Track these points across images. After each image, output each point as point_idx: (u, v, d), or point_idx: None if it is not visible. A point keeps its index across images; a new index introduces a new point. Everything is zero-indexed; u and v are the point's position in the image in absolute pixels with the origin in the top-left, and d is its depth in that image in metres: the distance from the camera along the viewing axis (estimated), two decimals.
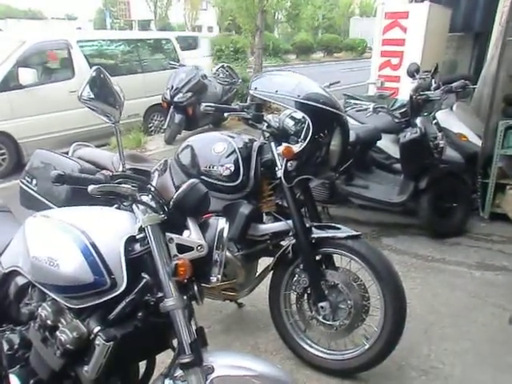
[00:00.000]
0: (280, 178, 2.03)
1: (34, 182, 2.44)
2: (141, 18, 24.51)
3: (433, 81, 3.42)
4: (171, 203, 1.32)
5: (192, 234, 1.29)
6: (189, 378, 1.22)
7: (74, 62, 6.31)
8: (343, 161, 2.13)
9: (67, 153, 2.70)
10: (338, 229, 2.05)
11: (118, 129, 1.60)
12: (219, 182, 2.11)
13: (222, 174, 2.11)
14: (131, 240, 1.31)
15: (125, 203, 1.43)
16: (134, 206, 1.34)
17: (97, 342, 1.23)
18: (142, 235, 1.31)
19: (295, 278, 2.11)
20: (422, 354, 2.27)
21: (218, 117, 7.08)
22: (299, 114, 2.01)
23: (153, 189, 1.34)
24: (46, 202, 2.28)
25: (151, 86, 7.09)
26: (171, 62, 7.10)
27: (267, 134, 2.11)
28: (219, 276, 1.33)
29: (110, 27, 22.49)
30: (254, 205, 2.11)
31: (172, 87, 6.33)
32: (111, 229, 1.35)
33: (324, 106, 1.96)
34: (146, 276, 1.28)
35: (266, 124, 2.09)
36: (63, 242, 1.30)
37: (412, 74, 3.40)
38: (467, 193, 3.52)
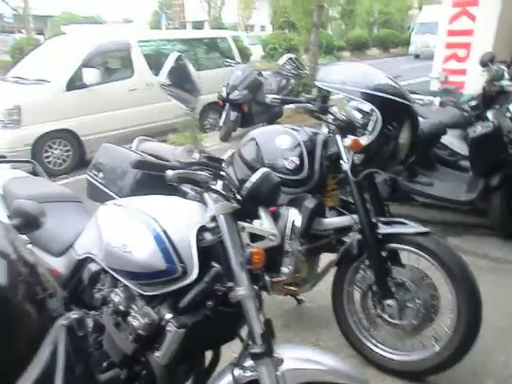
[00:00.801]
0: (346, 171, 1.97)
1: (101, 174, 2.51)
2: (195, 19, 25.00)
3: (505, 72, 3.22)
4: (244, 192, 1.30)
5: (264, 224, 1.28)
6: (259, 369, 1.20)
7: (134, 61, 6.51)
8: (412, 154, 2.05)
9: (130, 147, 2.77)
10: (405, 224, 1.97)
11: (194, 116, 1.59)
12: (283, 176, 2.07)
13: (287, 167, 2.08)
14: (201, 229, 1.31)
15: (195, 192, 1.43)
16: (205, 195, 1.34)
17: (168, 328, 1.24)
18: (213, 224, 1.31)
19: (360, 275, 2.05)
20: (498, 361, 2.13)
21: (272, 114, 7.08)
22: (366, 106, 1.94)
23: (227, 177, 1.33)
24: (112, 193, 2.34)
25: (207, 84, 7.15)
26: (227, 60, 7.16)
27: (333, 127, 2.06)
28: (291, 267, 1.31)
29: (166, 29, 23.02)
30: (318, 199, 2.06)
31: (228, 85, 6.38)
32: (182, 218, 1.35)
33: (394, 97, 1.89)
34: (216, 265, 1.28)
35: (331, 116, 2.04)
36: (136, 229, 1.32)
37: (485, 63, 3.20)
38: None
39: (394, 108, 1.90)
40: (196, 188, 1.40)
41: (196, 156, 1.52)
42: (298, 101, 2.10)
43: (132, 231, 1.32)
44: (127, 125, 6.29)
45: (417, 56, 20.81)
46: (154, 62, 6.76)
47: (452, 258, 1.84)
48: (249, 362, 1.24)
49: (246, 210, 1.30)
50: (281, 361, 1.21)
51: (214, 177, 1.28)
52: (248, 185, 1.30)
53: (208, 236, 1.30)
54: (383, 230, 1.95)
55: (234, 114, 6.38)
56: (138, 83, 6.50)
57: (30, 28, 19.14)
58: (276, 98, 2.02)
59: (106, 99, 6.16)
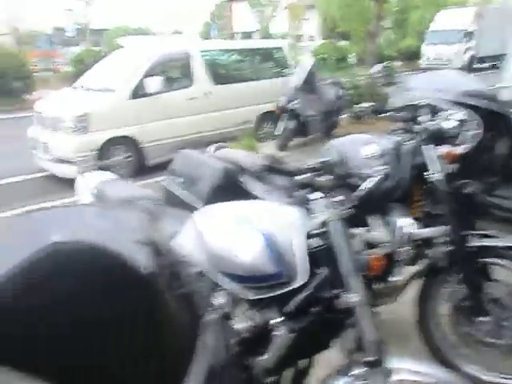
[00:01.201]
0: (435, 181, 1.92)
1: (178, 180, 2.57)
2: (244, 29, 25.39)
3: None
4: (356, 198, 1.29)
5: (376, 230, 1.26)
6: (371, 378, 1.17)
7: (193, 70, 6.66)
8: (509, 166, 1.98)
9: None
10: (497, 238, 1.90)
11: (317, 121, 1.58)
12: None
13: (372, 176, 2.05)
14: (308, 235, 1.31)
15: (295, 197, 1.44)
16: (316, 200, 1.34)
17: (277, 332, 1.24)
18: (320, 230, 1.30)
19: (448, 289, 1.98)
20: None
21: (328, 124, 7.05)
22: (460, 115, 1.89)
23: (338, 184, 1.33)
24: (189, 200, 2.38)
25: (263, 93, 7.25)
26: (285, 70, 7.22)
27: (422, 136, 2.01)
28: (399, 276, 1.28)
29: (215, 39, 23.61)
30: (404, 209, 2.02)
31: (286, 94, 6.41)
32: (286, 222, 1.36)
33: (491, 107, 1.83)
34: (323, 271, 1.27)
35: (418, 126, 2.00)
36: (243, 232, 1.33)
37: None
38: None
39: (493, 118, 1.84)
40: (299, 193, 1.40)
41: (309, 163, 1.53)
42: (388, 110, 2.07)
43: (239, 234, 1.33)
44: (186, 133, 6.43)
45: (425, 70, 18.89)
46: (213, 72, 6.91)
47: None
48: (357, 371, 1.22)
49: (357, 217, 1.28)
50: (390, 371, 1.19)
51: (334, 182, 1.28)
52: (360, 192, 1.28)
53: (314, 242, 1.30)
54: (475, 242, 1.88)
55: (292, 124, 6.40)
56: (197, 92, 6.65)
57: (89, 41, 20.10)
58: (365, 107, 2.00)
59: (166, 107, 6.33)
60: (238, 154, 2.97)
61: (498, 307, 1.86)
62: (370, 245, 1.28)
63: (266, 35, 22.42)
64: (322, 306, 1.28)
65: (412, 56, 21.82)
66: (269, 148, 6.75)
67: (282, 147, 6.48)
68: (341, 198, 1.31)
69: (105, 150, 5.82)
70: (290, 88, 6.42)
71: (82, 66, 14.01)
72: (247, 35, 25.21)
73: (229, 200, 1.62)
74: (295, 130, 6.49)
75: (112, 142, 5.88)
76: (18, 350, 0.57)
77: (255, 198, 2.33)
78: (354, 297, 1.19)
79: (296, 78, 6.67)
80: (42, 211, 0.72)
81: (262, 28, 23.84)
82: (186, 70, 6.69)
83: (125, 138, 5.99)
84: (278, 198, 2.17)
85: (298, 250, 1.27)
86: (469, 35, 20.43)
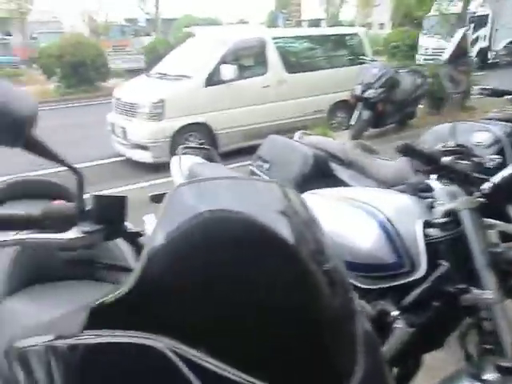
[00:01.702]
0: None
1: (266, 166, 2.53)
2: (311, 17, 25.00)
3: None
4: (489, 187, 1.18)
5: None
6: None
7: (268, 58, 6.60)
8: None
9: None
10: None
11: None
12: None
13: (485, 165, 1.89)
14: (426, 224, 1.21)
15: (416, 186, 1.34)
16: (440, 188, 1.24)
17: (397, 325, 1.16)
18: (443, 220, 1.20)
19: None
20: None
21: (405, 114, 6.77)
22: None
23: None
24: None
25: (337, 82, 7.05)
26: (362, 58, 6.98)
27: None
28: None
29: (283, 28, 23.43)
30: None
31: (363, 82, 6.20)
32: (403, 209, 1.26)
33: None
34: (445, 263, 1.17)
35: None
36: (358, 219, 1.26)
37: None
38: None
39: None
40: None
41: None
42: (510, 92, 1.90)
43: (354, 220, 1.26)
44: (258, 121, 6.40)
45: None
46: (287, 59, 6.82)
47: None
48: (488, 376, 1.11)
49: (492, 206, 1.17)
50: None
51: (473, 167, 1.17)
52: (494, 180, 1.17)
53: (435, 232, 1.20)
54: None
55: (367, 113, 6.19)
56: (271, 80, 6.58)
57: (159, 31, 20.65)
58: (484, 89, 1.84)
59: (240, 95, 6.32)
60: (326, 141, 2.89)
61: None
62: (507, 237, 1.16)
63: (335, 23, 21.91)
64: (443, 301, 1.18)
65: None
66: (342, 138, 6.58)
67: (356, 137, 6.27)
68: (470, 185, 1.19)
69: (179, 137, 5.90)
70: (370, 75, 6.20)
71: (154, 54, 14.41)
72: (314, 23, 24.79)
73: (317, 187, 1.55)
74: (371, 119, 6.27)
75: (186, 129, 5.96)
76: (174, 316, 0.58)
77: (345, 185, 2.24)
78: (487, 293, 1.08)
79: (373, 65, 6.46)
80: (191, 183, 0.70)
81: (331, 15, 23.31)
82: (260, 58, 6.64)
83: (199, 124, 6.05)
84: (369, 186, 2.07)
85: (416, 240, 1.18)
86: (478, 21, 15.71)
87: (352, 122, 6.38)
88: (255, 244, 0.62)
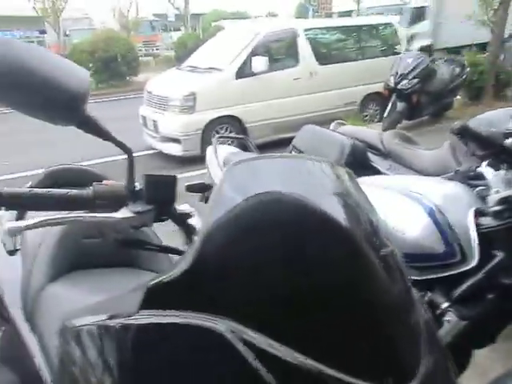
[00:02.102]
0: None
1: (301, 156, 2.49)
2: (342, 9, 24.60)
3: None
4: None
5: None
6: None
7: (299, 50, 6.51)
8: None
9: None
10: None
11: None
12: None
13: None
14: (478, 213, 1.15)
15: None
16: (493, 175, 1.17)
17: (448, 318, 1.10)
18: (498, 208, 1.13)
19: None
20: None
21: (442, 106, 6.58)
22: None
23: None
24: None
25: (369, 73, 6.91)
26: (396, 48, 6.82)
27: None
28: None
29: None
30: None
31: (397, 73, 6.05)
32: (453, 197, 1.20)
33: None
34: (500, 253, 1.11)
35: None
36: (405, 205, 1.20)
37: None
38: None
39: None
40: None
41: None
42: None
43: (403, 208, 1.21)
44: (289, 113, 6.33)
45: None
46: (319, 51, 6.72)
47: None
48: None
49: None
50: None
51: None
52: None
53: (489, 220, 1.13)
54: None
55: (401, 105, 6.04)
56: (303, 72, 6.50)
57: (188, 26, 20.75)
58: None
59: (271, 87, 6.27)
60: (363, 131, 2.82)
61: None
62: None
63: (367, 14, 21.49)
64: (497, 293, 1.12)
65: None
66: (376, 130, 6.45)
67: (389, 129, 6.14)
68: None
69: (209, 130, 5.91)
70: (404, 65, 6.04)
71: (184, 49, 14.49)
72: (346, 14, 24.40)
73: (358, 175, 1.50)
74: (405, 111, 6.11)
75: (217, 122, 5.96)
76: (230, 297, 0.56)
77: (382, 174, 2.19)
78: None
79: (408, 55, 6.30)
80: (244, 162, 0.67)
81: (362, 7, 22.92)
82: (291, 49, 6.56)
83: (230, 117, 6.03)
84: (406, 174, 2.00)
85: (467, 229, 1.11)
86: (415, 14, 14.30)
87: (385, 114, 6.24)
88: (310, 225, 0.60)
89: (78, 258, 1.22)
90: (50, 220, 0.72)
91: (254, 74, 6.09)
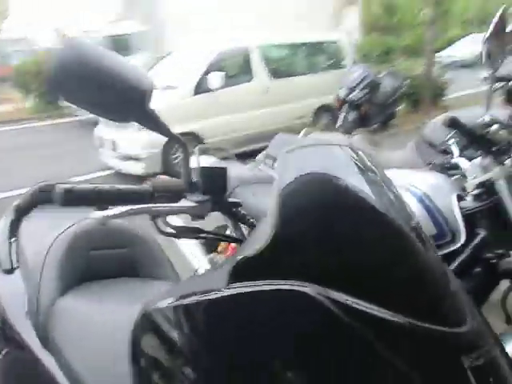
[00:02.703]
0: None
1: (274, 163, 2.62)
2: None
3: None
4: None
5: None
6: None
7: (252, 65, 6.73)
8: None
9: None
10: None
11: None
12: None
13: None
14: (460, 197, 1.32)
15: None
16: (471, 162, 1.35)
17: None
18: (477, 191, 1.31)
19: None
20: None
21: (387, 115, 7.00)
22: None
23: None
24: None
25: (319, 87, 7.25)
26: (342, 63, 7.20)
27: None
28: None
29: None
30: None
31: (347, 86, 6.40)
32: (437, 185, 1.37)
33: None
34: (483, 231, 1.28)
35: None
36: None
37: None
38: None
39: None
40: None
41: None
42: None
43: None
44: (246, 127, 6.49)
45: None
46: (270, 65, 6.97)
47: None
48: None
49: None
50: None
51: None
52: None
53: (470, 203, 1.31)
54: None
55: (352, 115, 6.38)
56: (257, 87, 6.71)
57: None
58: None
59: (228, 103, 6.41)
60: (332, 136, 3.00)
61: None
62: None
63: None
64: (483, 267, 1.28)
65: None
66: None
67: None
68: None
69: (169, 147, 5.93)
70: (353, 78, 6.40)
71: None
72: None
73: None
74: (356, 121, 6.46)
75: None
76: (305, 265, 0.62)
77: None
78: None
79: (355, 68, 6.68)
80: (297, 149, 0.78)
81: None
82: (245, 65, 6.77)
83: (189, 133, 6.10)
84: None
85: (453, 212, 1.28)
86: None
87: (338, 124, 6.55)
88: (346, 203, 0.69)
89: (86, 270, 1.22)
90: (131, 210, 0.77)
91: (210, 90, 6.21)
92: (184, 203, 0.82)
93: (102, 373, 0.95)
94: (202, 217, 0.85)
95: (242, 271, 0.61)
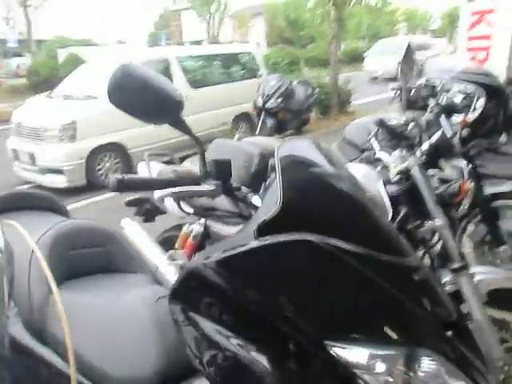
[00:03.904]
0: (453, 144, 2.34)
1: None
2: (192, 38, 25.71)
3: None
4: (426, 148, 1.68)
5: (446, 170, 1.65)
6: (460, 280, 1.54)
7: (173, 75, 6.89)
8: (505, 126, 2.45)
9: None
10: (503, 185, 2.35)
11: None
12: None
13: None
14: (385, 183, 1.68)
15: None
16: (389, 155, 1.71)
17: None
18: (398, 177, 1.67)
19: (472, 229, 2.41)
20: None
21: (301, 121, 7.53)
22: (469, 88, 2.33)
23: None
24: None
25: (237, 95, 7.60)
26: (256, 72, 7.63)
27: (436, 110, 2.43)
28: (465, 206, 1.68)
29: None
30: None
31: (263, 94, 6.81)
32: (367, 175, 1.71)
33: (488, 82, 2.30)
34: (404, 208, 1.64)
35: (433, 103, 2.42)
36: None
37: None
38: None
39: (491, 89, 2.30)
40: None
41: None
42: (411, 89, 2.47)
43: None
44: (170, 136, 6.59)
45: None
46: (189, 75, 7.19)
47: None
48: (448, 277, 1.56)
49: (430, 161, 1.67)
50: (473, 274, 1.56)
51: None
52: (432, 141, 1.68)
53: (392, 188, 1.67)
54: (489, 190, 2.32)
55: (270, 121, 6.80)
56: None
57: (32, 52, 19.60)
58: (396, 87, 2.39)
59: None
60: (263, 139, 3.30)
61: None
62: (443, 181, 1.66)
63: (216, 43, 22.86)
64: (405, 237, 1.63)
65: (358, 58, 23.08)
66: None
67: None
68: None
69: (93, 158, 5.92)
70: (269, 87, 6.83)
71: (37, 77, 13.71)
72: (196, 43, 25.56)
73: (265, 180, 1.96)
74: (273, 127, 6.89)
75: (101, 150, 5.99)
76: (312, 222, 0.85)
77: None
78: (437, 221, 1.56)
79: (271, 78, 7.13)
80: (291, 142, 1.08)
81: (211, 36, 24.23)
82: (165, 75, 6.88)
83: (113, 144, 6.10)
84: None
85: (381, 196, 1.62)
86: None
87: (258, 131, 6.94)
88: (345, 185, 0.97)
89: (67, 269, 1.31)
90: (178, 192, 1.03)
91: None
92: (206, 187, 1.04)
93: (107, 352, 1.08)
94: (215, 197, 1.08)
95: (263, 230, 0.83)
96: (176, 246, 2.26)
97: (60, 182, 5.74)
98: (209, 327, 0.86)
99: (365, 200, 0.97)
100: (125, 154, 6.24)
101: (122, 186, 0.94)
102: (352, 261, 0.81)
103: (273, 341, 0.82)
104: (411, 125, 1.68)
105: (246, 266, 0.84)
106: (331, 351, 0.77)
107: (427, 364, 0.76)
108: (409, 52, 1.86)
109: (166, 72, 6.83)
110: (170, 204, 1.53)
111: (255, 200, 1.09)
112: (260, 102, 6.83)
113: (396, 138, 1.71)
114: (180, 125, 1.03)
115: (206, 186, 1.04)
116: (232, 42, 26.34)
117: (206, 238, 2.04)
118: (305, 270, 0.83)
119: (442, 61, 2.56)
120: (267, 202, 0.92)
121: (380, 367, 0.75)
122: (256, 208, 1.06)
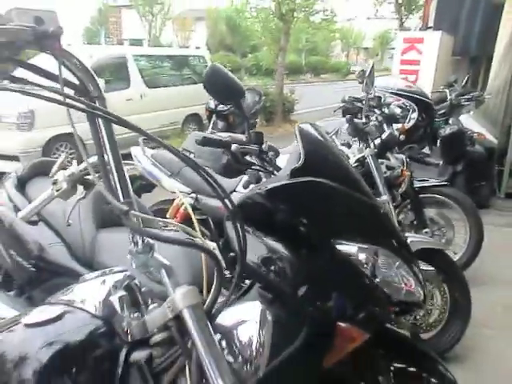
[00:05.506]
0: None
1: (192, 156, 3.31)
2: (133, 37, 25.48)
3: (448, 92, 4.48)
4: (379, 142, 2.27)
5: (392, 160, 2.25)
6: None
7: (130, 73, 7.19)
8: (430, 138, 3.15)
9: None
10: (428, 180, 3.04)
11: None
12: None
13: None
14: None
15: None
16: (351, 147, 2.28)
17: None
18: (356, 164, 2.25)
19: (403, 215, 3.07)
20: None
21: (249, 125, 8.07)
22: (406, 102, 3.00)
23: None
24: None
25: (188, 97, 8.03)
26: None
27: (380, 118, 3.08)
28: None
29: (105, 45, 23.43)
30: None
31: None
32: None
33: (423, 97, 2.98)
34: None
35: (378, 112, 3.06)
36: None
37: (451, 84, 4.49)
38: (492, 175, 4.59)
39: (423, 104, 2.99)
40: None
41: None
42: (360, 100, 3.10)
43: None
44: (125, 131, 6.83)
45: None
46: (147, 75, 7.51)
47: (465, 200, 2.93)
48: None
49: (380, 153, 2.27)
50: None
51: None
52: (382, 137, 2.27)
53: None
54: (418, 184, 2.99)
55: (221, 124, 7.27)
56: (134, 94, 7.18)
57: None
58: (350, 99, 3.00)
59: (107, 107, 6.70)
60: (235, 136, 3.78)
61: (433, 223, 2.99)
62: (389, 168, 2.26)
63: (157, 43, 22.94)
64: None
65: (296, 71, 24.25)
66: None
67: None
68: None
69: (49, 147, 6.06)
70: None
71: None
72: (136, 42, 25.32)
73: (238, 170, 2.47)
74: (224, 129, 7.36)
75: (57, 139, 6.12)
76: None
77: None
78: (383, 199, 2.15)
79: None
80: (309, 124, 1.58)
81: (153, 37, 24.21)
82: (123, 73, 7.17)
83: (69, 134, 6.26)
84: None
85: None
86: None
87: (209, 131, 7.38)
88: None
89: (104, 218, 1.65)
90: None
91: None
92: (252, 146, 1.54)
93: None
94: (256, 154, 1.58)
95: (293, 174, 1.17)
96: (167, 215, 2.68)
97: (13, 168, 5.80)
98: (255, 234, 1.21)
99: (348, 162, 1.51)
100: (82, 145, 6.38)
101: (206, 142, 1.41)
102: (344, 195, 1.20)
103: (297, 241, 1.16)
104: (371, 123, 2.28)
105: (284, 193, 1.17)
106: (336, 246, 1.27)
107: (385, 257, 1.28)
108: (372, 70, 2.46)
109: (124, 70, 7.11)
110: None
111: (280, 161, 1.58)
112: (212, 105, 7.27)
113: (359, 132, 2.28)
114: (238, 105, 1.52)
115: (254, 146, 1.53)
116: (172, 44, 26.52)
117: (194, 210, 2.49)
118: (318, 198, 1.18)
119: (385, 80, 3.22)
120: (291, 160, 1.41)
121: (362, 256, 1.25)
122: (277, 167, 1.56)
